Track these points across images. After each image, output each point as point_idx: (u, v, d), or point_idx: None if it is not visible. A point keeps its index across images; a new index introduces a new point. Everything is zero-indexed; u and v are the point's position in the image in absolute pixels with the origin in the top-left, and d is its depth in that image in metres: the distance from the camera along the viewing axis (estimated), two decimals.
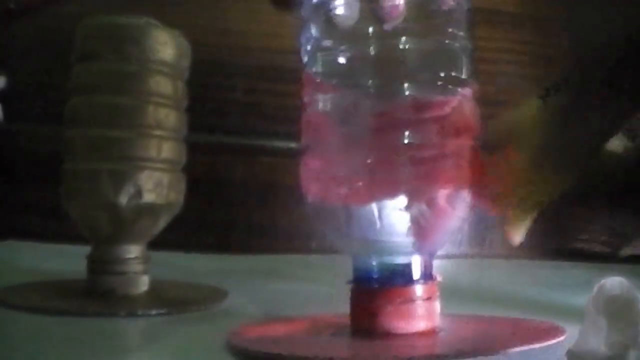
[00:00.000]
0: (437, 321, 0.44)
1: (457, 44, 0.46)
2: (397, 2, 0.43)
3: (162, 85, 0.57)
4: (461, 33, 0.46)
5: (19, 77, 0.88)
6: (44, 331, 0.48)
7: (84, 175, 0.56)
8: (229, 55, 0.94)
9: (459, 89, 0.45)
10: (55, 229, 0.71)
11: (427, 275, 0.45)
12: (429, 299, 0.44)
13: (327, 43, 0.46)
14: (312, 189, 0.46)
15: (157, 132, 0.57)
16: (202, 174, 0.87)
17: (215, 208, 0.89)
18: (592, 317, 0.37)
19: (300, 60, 0.47)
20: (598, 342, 0.36)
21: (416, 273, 0.44)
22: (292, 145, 0.89)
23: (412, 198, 0.43)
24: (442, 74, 0.45)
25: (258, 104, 0.93)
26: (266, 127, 0.93)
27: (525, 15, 1.03)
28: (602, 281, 0.38)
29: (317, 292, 0.66)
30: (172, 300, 0.57)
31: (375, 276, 0.45)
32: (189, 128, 0.61)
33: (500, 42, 1.00)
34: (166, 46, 0.57)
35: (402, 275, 0.44)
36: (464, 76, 0.46)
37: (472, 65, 0.46)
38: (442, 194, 0.43)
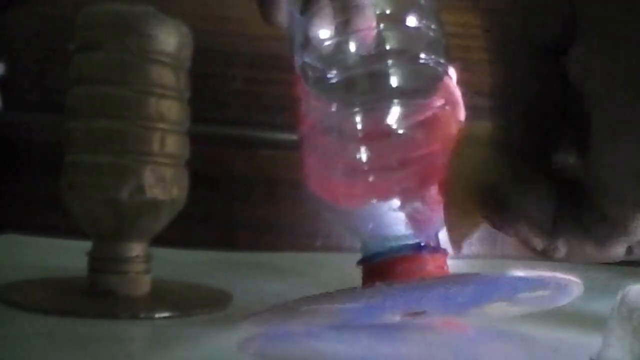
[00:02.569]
0: None
1: (431, 34, 0.48)
2: (368, 27, 0.45)
3: (165, 76, 0.55)
4: (433, 25, 0.48)
5: (19, 64, 0.86)
6: (41, 331, 0.46)
7: (85, 168, 0.54)
8: (228, 43, 0.92)
9: (441, 78, 0.47)
10: (56, 222, 0.69)
11: (434, 247, 0.46)
12: (439, 268, 0.46)
13: (312, 61, 0.47)
14: (311, 186, 0.48)
15: (160, 125, 0.54)
16: (202, 167, 0.85)
17: (216, 203, 0.88)
18: (616, 326, 0.37)
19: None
20: (621, 351, 0.36)
21: (421, 245, 0.46)
22: (295, 137, 0.88)
23: (406, 199, 0.45)
24: (423, 68, 0.47)
25: (259, 94, 0.91)
26: (268, 118, 0.91)
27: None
28: (627, 289, 0.37)
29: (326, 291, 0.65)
30: (175, 302, 0.56)
31: (382, 252, 0.46)
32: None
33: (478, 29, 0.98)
34: (169, 36, 0.55)
35: (408, 247, 0.46)
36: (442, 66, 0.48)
37: (447, 55, 0.48)
38: (434, 188, 0.44)
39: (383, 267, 0.46)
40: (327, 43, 0.47)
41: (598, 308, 0.52)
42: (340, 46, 0.47)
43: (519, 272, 0.39)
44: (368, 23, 0.46)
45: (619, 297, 0.37)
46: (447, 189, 0.41)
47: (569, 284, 0.43)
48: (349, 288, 0.43)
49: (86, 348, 0.43)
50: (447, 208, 0.41)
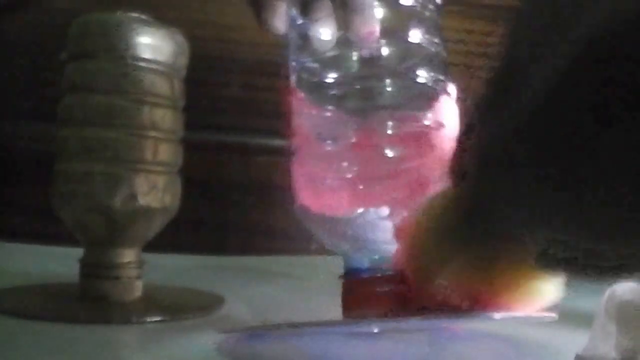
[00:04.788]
0: None
1: (432, 50, 0.47)
2: (372, 29, 0.45)
3: (158, 84, 0.55)
4: (435, 40, 0.47)
5: (10, 73, 0.87)
6: (33, 337, 0.46)
7: (77, 177, 0.54)
8: (224, 50, 0.93)
9: (438, 96, 0.47)
10: (46, 230, 0.69)
11: None
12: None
13: (310, 64, 0.47)
14: (300, 195, 0.48)
15: (153, 134, 0.55)
16: (197, 173, 0.86)
17: (211, 208, 0.88)
18: (602, 322, 0.37)
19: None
20: (608, 348, 0.36)
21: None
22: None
23: (394, 208, 0.45)
24: (419, 82, 0.47)
25: (255, 100, 0.92)
26: (264, 124, 0.91)
27: None
28: (614, 286, 0.38)
29: (317, 295, 0.65)
30: (167, 307, 0.56)
31: (364, 268, 0.46)
32: (184, 126, 0.59)
33: None
34: (163, 44, 0.56)
35: (386, 264, 0.45)
36: (440, 84, 0.48)
37: (447, 72, 0.48)
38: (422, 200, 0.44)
39: (361, 285, 0.46)
40: (327, 44, 0.46)
41: (585, 306, 0.52)
42: (340, 48, 0.46)
43: (492, 315, 0.40)
44: (370, 25, 0.46)
45: (606, 295, 0.38)
46: None
47: (542, 318, 0.44)
48: (330, 320, 0.44)
49: (78, 353, 0.44)
50: None
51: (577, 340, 0.41)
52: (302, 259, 0.86)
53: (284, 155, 0.88)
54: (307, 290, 0.68)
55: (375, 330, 0.49)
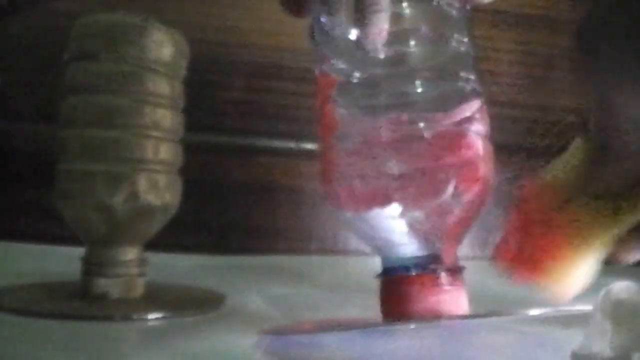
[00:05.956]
0: (464, 309, 0.46)
1: (462, 49, 0.47)
2: (380, 31, 0.44)
3: (159, 85, 0.56)
4: (465, 39, 0.47)
5: (12, 75, 0.87)
6: (36, 334, 0.47)
7: (79, 176, 0.55)
8: (226, 53, 0.93)
9: (468, 95, 0.47)
10: (49, 230, 0.70)
11: (450, 264, 0.47)
12: (453, 286, 0.46)
13: (340, 65, 0.47)
14: (324, 190, 0.49)
15: (154, 133, 0.56)
16: (200, 174, 0.86)
17: (212, 209, 0.89)
18: (598, 320, 0.37)
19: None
20: (603, 345, 0.37)
21: (437, 262, 0.46)
22: (291, 145, 0.89)
23: (405, 207, 0.45)
24: (449, 81, 0.46)
25: (256, 102, 0.92)
26: (265, 126, 0.92)
27: (527, 14, 1.03)
28: (611, 285, 0.38)
29: (317, 294, 0.65)
30: (168, 304, 0.57)
31: (399, 266, 0.47)
32: (186, 127, 0.60)
33: (501, 42, 0.99)
34: (163, 45, 0.57)
35: (424, 265, 0.46)
36: (470, 83, 0.47)
37: (478, 72, 0.48)
38: (437, 202, 0.45)
39: (398, 282, 0.46)
40: (342, 36, 0.45)
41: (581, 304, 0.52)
42: (353, 43, 0.45)
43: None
44: (377, 26, 0.44)
45: (602, 293, 0.38)
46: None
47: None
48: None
49: (81, 349, 0.44)
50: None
51: (573, 337, 0.41)
52: (302, 258, 0.87)
53: (285, 156, 0.90)
54: (308, 289, 0.69)
55: (412, 327, 0.49)
